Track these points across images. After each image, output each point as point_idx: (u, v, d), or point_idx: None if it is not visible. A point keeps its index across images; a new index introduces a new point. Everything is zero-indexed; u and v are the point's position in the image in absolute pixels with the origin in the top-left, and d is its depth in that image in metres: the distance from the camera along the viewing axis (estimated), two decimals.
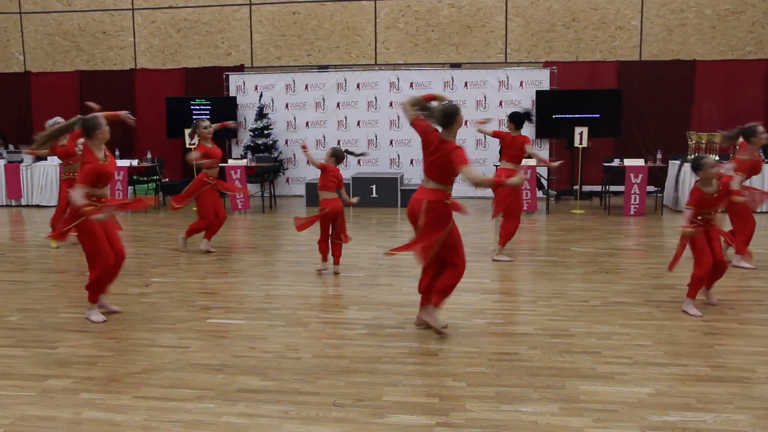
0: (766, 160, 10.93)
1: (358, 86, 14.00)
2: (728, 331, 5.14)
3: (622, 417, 3.67)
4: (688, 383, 4.13)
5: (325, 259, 7.14)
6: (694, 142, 11.35)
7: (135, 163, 12.48)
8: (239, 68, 14.69)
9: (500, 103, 13.57)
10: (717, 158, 6.73)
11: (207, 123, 8.24)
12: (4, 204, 12.96)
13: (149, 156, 13.20)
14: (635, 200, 11.10)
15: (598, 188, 12.89)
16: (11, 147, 14.15)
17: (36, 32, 15.42)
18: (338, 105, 14.09)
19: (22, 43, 15.49)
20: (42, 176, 12.97)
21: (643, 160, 11.45)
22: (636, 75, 13.43)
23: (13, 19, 15.43)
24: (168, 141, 14.25)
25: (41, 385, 4.20)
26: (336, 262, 7.11)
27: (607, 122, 12.71)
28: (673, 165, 11.90)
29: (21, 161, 12.98)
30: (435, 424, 3.60)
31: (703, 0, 13.42)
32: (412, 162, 13.84)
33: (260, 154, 13.18)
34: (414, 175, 13.65)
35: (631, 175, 11.03)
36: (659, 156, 11.87)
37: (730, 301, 5.96)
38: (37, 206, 12.90)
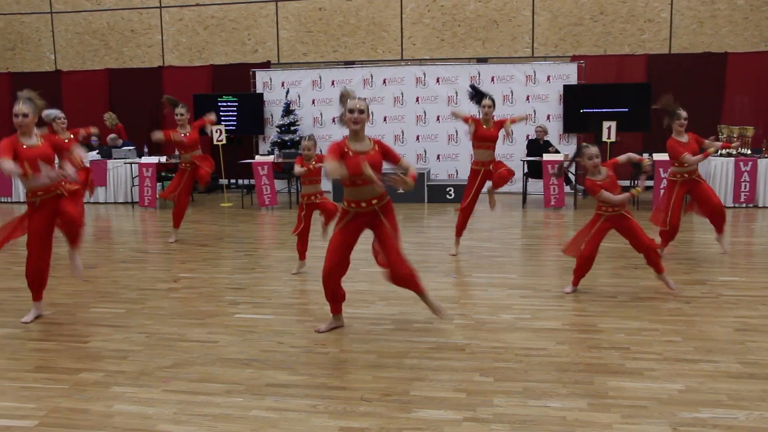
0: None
1: (384, 82, 13.99)
2: (760, 327, 5.05)
3: (651, 413, 3.63)
4: (720, 380, 4.07)
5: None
6: (725, 136, 11.18)
7: (163, 159, 12.60)
8: (266, 65, 14.76)
9: (527, 98, 13.48)
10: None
11: (181, 110, 8.51)
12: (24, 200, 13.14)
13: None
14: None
15: (626, 183, 12.74)
16: None
17: (66, 31, 15.63)
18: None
19: (53, 42, 15.72)
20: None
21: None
22: (665, 68, 13.21)
23: (44, 19, 15.66)
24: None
25: (74, 378, 4.27)
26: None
27: (636, 117, 12.56)
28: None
29: None
30: (462, 419, 3.59)
31: None
32: (438, 157, 13.82)
33: (287, 150, 13.24)
34: (441, 170, 13.63)
35: (661, 169, 10.88)
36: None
37: (762, 297, 5.86)
38: None
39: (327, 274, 4.84)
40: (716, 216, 7.14)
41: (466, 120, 7.44)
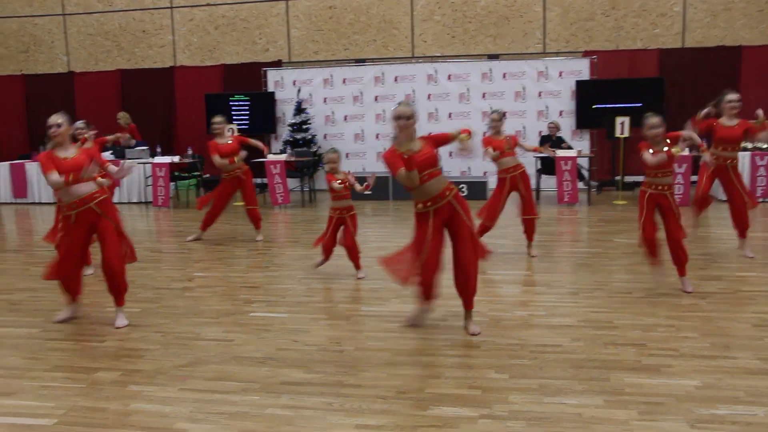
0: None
1: (395, 79, 13.99)
2: None
3: (669, 410, 3.61)
4: (737, 376, 4.05)
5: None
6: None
7: (176, 159, 12.64)
8: (277, 64, 14.79)
9: (539, 94, 13.45)
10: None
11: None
12: (36, 201, 13.22)
13: (190, 152, 13.34)
14: (679, 190, 10.88)
15: (641, 179, 12.64)
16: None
17: (78, 33, 15.72)
18: (376, 98, 14.10)
19: (65, 44, 15.80)
20: None
21: (687, 149, 11.22)
22: (678, 63, 13.11)
23: (56, 21, 15.75)
24: (208, 137, 14.35)
25: (91, 377, 4.30)
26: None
27: (649, 111, 12.44)
28: None
29: None
30: (478, 416, 3.59)
31: None
32: (450, 154, 13.76)
33: (299, 149, 13.27)
34: (453, 167, 13.60)
35: (675, 165, 10.79)
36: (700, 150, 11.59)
37: None
38: None
39: (427, 282, 4.94)
40: (733, 214, 7.14)
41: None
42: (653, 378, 4.05)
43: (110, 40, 15.62)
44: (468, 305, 5.01)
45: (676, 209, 5.86)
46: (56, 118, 5.12)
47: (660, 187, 5.86)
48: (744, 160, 10.94)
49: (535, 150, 8.31)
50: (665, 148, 5.74)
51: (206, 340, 4.96)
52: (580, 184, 11.90)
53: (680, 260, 5.89)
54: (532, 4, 13.82)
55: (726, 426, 3.43)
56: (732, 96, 6.95)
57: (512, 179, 7.38)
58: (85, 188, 5.12)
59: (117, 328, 5.26)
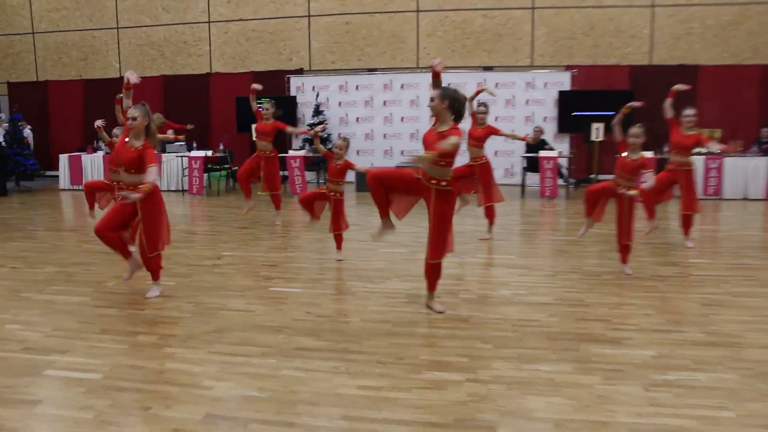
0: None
1: (402, 86, 13.93)
2: (722, 302, 5.01)
3: (627, 376, 3.63)
4: (686, 347, 4.06)
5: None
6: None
7: (209, 153, 12.65)
8: (299, 71, 14.74)
9: (527, 102, 13.38)
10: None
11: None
12: None
13: (221, 148, 13.39)
14: None
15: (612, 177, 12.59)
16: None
17: (129, 43, 15.70)
18: (384, 103, 14.05)
19: (118, 53, 15.80)
20: None
21: (652, 152, 11.15)
22: (646, 78, 13.02)
23: (111, 33, 15.75)
24: (238, 135, 14.44)
25: (132, 339, 4.32)
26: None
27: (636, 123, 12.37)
28: None
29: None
30: (465, 380, 3.60)
31: (706, 11, 12.96)
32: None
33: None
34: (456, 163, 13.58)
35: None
36: (665, 149, 11.55)
37: (725, 276, 5.80)
38: None
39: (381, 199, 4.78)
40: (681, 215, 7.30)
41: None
42: (616, 348, 4.05)
43: (156, 49, 15.59)
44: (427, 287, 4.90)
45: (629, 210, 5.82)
46: (133, 111, 4.93)
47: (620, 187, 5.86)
48: (698, 163, 10.93)
49: (515, 137, 8.11)
50: (633, 157, 5.78)
51: (231, 310, 4.97)
52: (560, 181, 11.84)
53: (621, 247, 5.93)
54: (522, 24, 13.71)
55: (674, 389, 3.45)
56: (689, 111, 7.12)
57: (474, 168, 7.52)
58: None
59: (146, 298, 5.25)
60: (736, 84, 12.80)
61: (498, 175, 13.39)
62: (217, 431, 3.10)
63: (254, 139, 8.76)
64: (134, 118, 4.93)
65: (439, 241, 4.63)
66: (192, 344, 4.23)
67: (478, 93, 7.48)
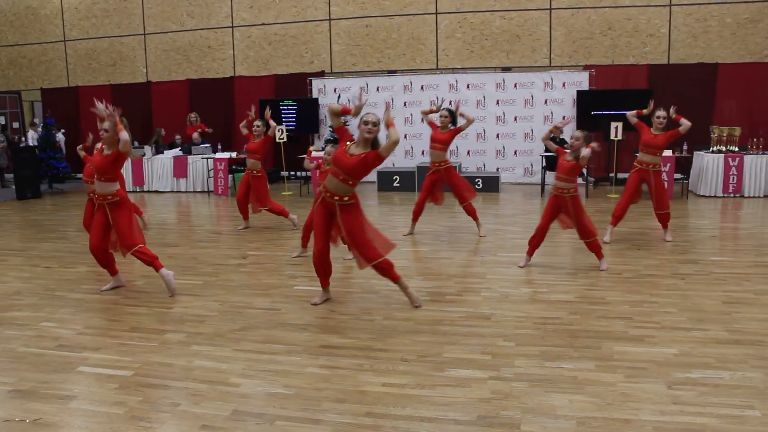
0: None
1: (422, 88, 13.88)
2: (744, 300, 4.92)
3: (650, 374, 3.56)
4: (709, 345, 3.98)
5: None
6: (716, 135, 11.02)
7: (234, 155, 12.72)
8: (320, 74, 14.76)
9: (545, 102, 13.26)
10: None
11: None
12: (130, 190, 13.44)
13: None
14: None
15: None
16: (136, 143, 14.63)
17: (156, 49, 15.86)
18: (405, 104, 14.01)
19: (145, 58, 15.97)
20: (159, 167, 13.41)
21: (671, 150, 11.00)
22: (664, 76, 12.83)
23: (138, 40, 15.93)
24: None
25: (161, 337, 4.36)
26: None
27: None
28: (698, 155, 11.53)
29: (143, 155, 13.42)
30: (488, 378, 3.57)
31: (724, 10, 12.71)
32: (468, 153, 13.69)
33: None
34: (470, 164, 13.53)
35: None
36: (685, 147, 11.39)
37: (747, 274, 5.69)
38: (156, 191, 13.34)
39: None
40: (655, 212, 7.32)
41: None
42: (638, 346, 3.99)
43: (181, 54, 15.72)
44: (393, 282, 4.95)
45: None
46: (105, 125, 5.24)
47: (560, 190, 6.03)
48: (719, 160, 10.79)
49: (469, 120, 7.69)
50: (568, 158, 5.91)
51: (257, 308, 4.99)
52: (580, 180, 11.72)
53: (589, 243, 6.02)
54: (540, 25, 13.60)
55: (698, 387, 3.38)
56: (660, 113, 7.20)
57: (438, 172, 7.64)
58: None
59: (165, 280, 5.36)
60: (755, 82, 12.56)
61: (518, 175, 13.42)
62: (245, 427, 3.10)
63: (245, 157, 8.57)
64: (106, 131, 5.29)
65: (363, 248, 4.74)
66: (218, 342, 4.25)
67: (431, 112, 7.69)
